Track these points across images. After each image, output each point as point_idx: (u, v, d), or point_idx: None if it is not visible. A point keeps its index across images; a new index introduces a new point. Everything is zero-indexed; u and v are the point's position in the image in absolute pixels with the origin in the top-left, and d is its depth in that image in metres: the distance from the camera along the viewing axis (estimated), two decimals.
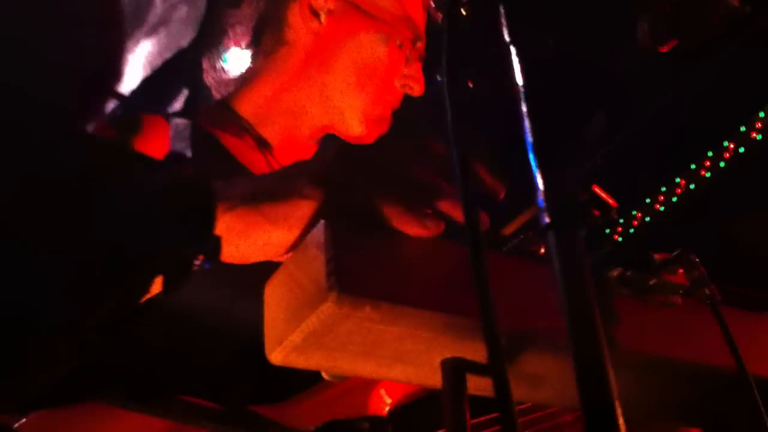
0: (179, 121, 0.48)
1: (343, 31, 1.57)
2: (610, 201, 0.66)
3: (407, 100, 1.65)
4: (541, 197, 0.56)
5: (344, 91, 1.56)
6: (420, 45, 1.60)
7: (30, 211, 0.39)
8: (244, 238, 0.83)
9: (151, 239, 0.43)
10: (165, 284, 0.44)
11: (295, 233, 0.85)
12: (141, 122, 0.48)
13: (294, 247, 0.85)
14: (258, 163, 1.52)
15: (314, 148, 1.66)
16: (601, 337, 0.53)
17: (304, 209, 0.84)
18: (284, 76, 1.59)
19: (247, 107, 1.58)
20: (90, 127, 0.44)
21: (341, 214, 0.82)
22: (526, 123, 0.57)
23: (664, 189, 4.50)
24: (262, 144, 1.56)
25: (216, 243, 0.47)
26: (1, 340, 0.44)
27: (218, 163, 1.43)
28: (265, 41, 1.59)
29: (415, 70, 1.60)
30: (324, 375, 0.92)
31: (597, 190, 0.65)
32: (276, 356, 0.79)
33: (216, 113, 1.57)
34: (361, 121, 1.56)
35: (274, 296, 0.82)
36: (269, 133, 1.58)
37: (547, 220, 0.56)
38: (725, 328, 0.95)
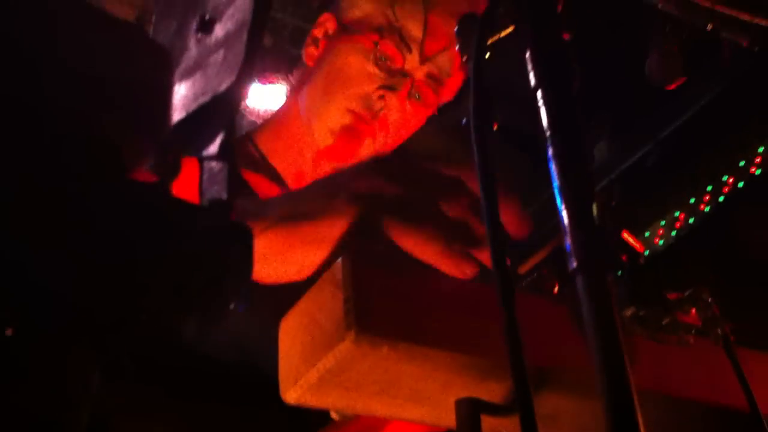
0: (214, 164, 0.47)
1: (329, 49, 1.58)
2: (638, 246, 0.66)
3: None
4: (568, 241, 0.56)
5: (314, 100, 1.54)
6: (413, 61, 1.54)
7: (70, 254, 0.39)
8: (279, 258, 0.83)
9: (187, 283, 0.43)
10: (197, 327, 0.44)
11: (332, 252, 0.84)
12: (180, 166, 0.48)
13: (329, 264, 0.84)
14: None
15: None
16: (632, 384, 0.53)
17: (340, 228, 0.83)
18: (287, 105, 1.62)
19: (264, 140, 1.60)
20: (133, 172, 0.44)
21: (375, 236, 0.82)
22: (553, 166, 0.57)
23: (663, 223, 4.51)
24: (278, 179, 1.55)
25: (251, 286, 0.47)
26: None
27: (239, 197, 1.43)
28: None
29: (397, 81, 1.52)
30: (333, 414, 0.91)
31: (626, 235, 0.65)
32: (291, 395, 0.78)
33: (239, 146, 1.58)
34: (327, 130, 1.51)
35: (290, 334, 0.81)
36: (282, 166, 1.57)
37: (575, 264, 0.55)
38: (738, 368, 0.94)
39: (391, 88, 1.51)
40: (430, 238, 0.80)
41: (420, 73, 1.55)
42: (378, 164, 0.86)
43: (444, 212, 0.82)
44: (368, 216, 0.81)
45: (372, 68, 1.52)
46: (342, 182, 0.86)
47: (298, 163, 1.57)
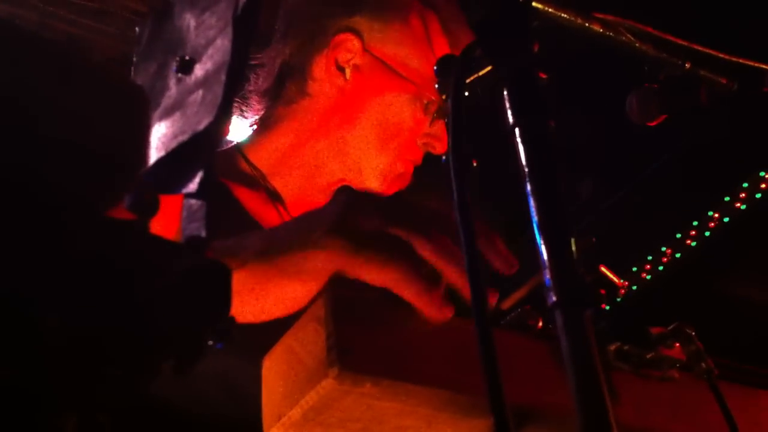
0: (193, 202, 0.48)
1: (368, 88, 1.52)
2: (616, 280, 0.67)
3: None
4: (547, 276, 0.56)
5: (365, 149, 1.51)
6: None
7: (46, 291, 0.39)
8: (256, 294, 0.82)
9: (165, 322, 0.43)
10: (176, 366, 0.44)
11: (311, 286, 0.81)
12: (158, 204, 0.48)
13: (312, 301, 0.82)
14: (269, 218, 1.47)
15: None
16: (611, 419, 0.53)
17: (318, 261, 0.81)
18: (304, 129, 1.53)
19: (262, 156, 1.54)
20: (110, 211, 0.45)
21: (335, 289, 0.80)
22: (532, 202, 0.57)
23: (650, 258, 4.53)
24: (275, 197, 1.51)
25: (229, 324, 0.47)
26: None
27: (229, 217, 1.39)
28: (287, 90, 1.56)
29: (439, 128, 1.52)
30: None
31: (603, 269, 0.65)
32: None
33: (229, 161, 1.53)
34: (379, 178, 1.51)
35: (273, 371, 0.81)
36: (282, 186, 1.53)
37: (554, 298, 0.56)
38: (723, 403, 0.94)
39: (436, 137, 1.53)
40: (410, 276, 0.79)
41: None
42: (357, 200, 0.85)
43: (425, 249, 0.80)
44: (347, 249, 0.80)
45: (422, 116, 1.51)
46: (320, 217, 0.85)
47: (303, 188, 1.52)
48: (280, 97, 1.57)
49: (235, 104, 1.58)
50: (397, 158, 1.51)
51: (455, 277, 0.80)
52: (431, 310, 0.79)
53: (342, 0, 1.56)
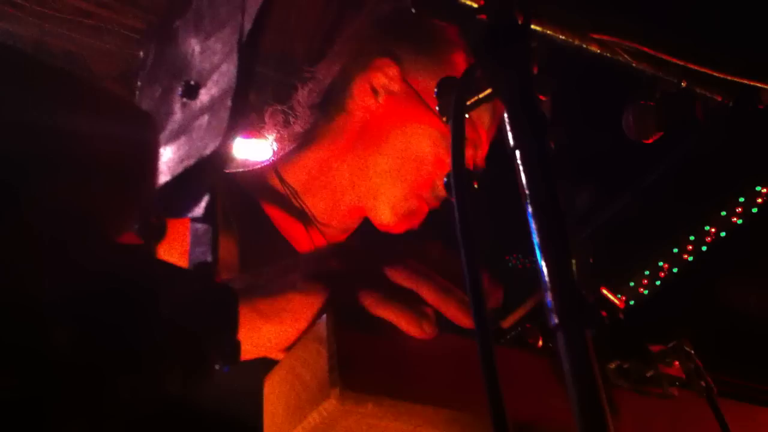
0: (199, 226, 0.48)
1: (397, 115, 1.50)
2: (617, 302, 0.67)
3: None
4: (548, 297, 0.57)
5: (383, 176, 1.49)
6: (479, 152, 1.52)
7: (55, 307, 0.40)
8: (243, 335, 0.84)
9: (172, 344, 0.44)
10: (184, 386, 0.45)
11: (288, 328, 0.84)
12: (165, 229, 0.49)
13: (291, 343, 0.84)
14: (299, 237, 1.48)
15: (351, 228, 1.58)
16: None
17: (297, 304, 0.84)
18: (334, 148, 1.53)
19: (295, 174, 1.53)
20: (119, 236, 0.45)
21: (337, 309, 0.82)
22: (533, 224, 0.58)
23: (647, 272, 4.53)
24: (304, 215, 1.51)
25: (236, 347, 0.48)
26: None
27: (259, 234, 1.40)
28: (329, 107, 1.55)
29: None
30: None
31: (605, 291, 0.66)
32: None
33: (263, 178, 1.54)
34: (392, 209, 1.48)
35: (274, 391, 0.81)
36: (313, 204, 1.52)
37: (555, 320, 0.56)
38: (722, 420, 0.95)
39: None
40: (385, 297, 0.82)
41: (479, 157, 1.52)
42: (332, 250, 0.92)
43: (401, 277, 0.85)
44: (323, 291, 0.85)
45: (445, 155, 1.46)
46: (297, 263, 0.90)
47: (331, 208, 1.52)
48: (324, 113, 1.57)
49: (282, 115, 1.59)
50: (410, 193, 1.48)
51: (432, 297, 0.84)
52: (411, 327, 0.81)
53: (390, 25, 1.55)
